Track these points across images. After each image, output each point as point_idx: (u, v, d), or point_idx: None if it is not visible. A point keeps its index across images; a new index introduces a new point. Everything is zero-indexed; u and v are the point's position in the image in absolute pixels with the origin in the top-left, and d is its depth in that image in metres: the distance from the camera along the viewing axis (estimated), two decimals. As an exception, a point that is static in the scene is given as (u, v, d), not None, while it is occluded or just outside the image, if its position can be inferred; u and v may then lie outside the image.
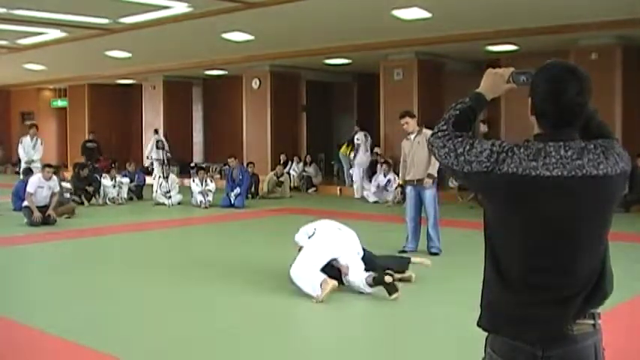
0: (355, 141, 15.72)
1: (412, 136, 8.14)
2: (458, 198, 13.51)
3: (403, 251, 7.86)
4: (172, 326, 5.17)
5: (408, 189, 8.20)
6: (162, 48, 16.09)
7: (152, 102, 21.47)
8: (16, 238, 9.67)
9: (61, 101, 25.52)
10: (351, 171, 16.18)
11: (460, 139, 1.97)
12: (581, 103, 1.88)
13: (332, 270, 5.94)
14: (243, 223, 11.79)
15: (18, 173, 16.53)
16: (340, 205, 13.62)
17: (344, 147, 16.67)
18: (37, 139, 14.87)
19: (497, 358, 1.93)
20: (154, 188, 14.07)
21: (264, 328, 5.13)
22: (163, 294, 6.24)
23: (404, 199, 8.82)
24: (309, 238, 6.13)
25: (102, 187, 14.07)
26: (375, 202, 14.20)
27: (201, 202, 13.40)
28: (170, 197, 13.76)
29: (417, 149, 8.00)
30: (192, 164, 19.97)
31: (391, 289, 5.70)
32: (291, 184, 16.46)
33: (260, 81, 18.46)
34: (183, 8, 11.86)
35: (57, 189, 11.19)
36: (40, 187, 10.89)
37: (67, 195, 12.49)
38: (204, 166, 17.72)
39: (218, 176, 17.99)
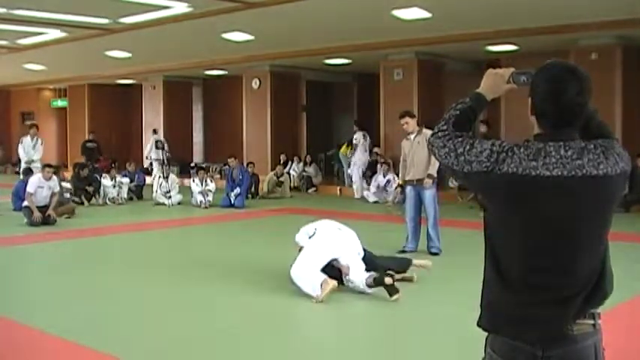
0: (353, 141, 15.73)
1: (412, 136, 8.14)
2: (458, 198, 13.51)
3: (403, 251, 7.86)
4: (172, 326, 5.17)
5: (408, 189, 8.20)
6: (162, 48, 16.09)
7: (152, 102, 21.47)
8: (16, 238, 9.67)
9: (61, 101, 25.52)
10: (349, 170, 16.20)
11: (460, 139, 1.97)
12: (581, 103, 1.88)
13: (332, 270, 5.94)
14: (243, 223, 11.80)
15: (18, 173, 16.53)
16: (340, 205, 13.62)
17: (344, 147, 16.67)
18: (37, 139, 14.87)
19: (498, 358, 1.93)
20: (154, 188, 14.07)
21: (264, 328, 5.13)
22: (163, 294, 6.24)
23: (404, 199, 8.81)
24: (310, 238, 6.13)
25: (102, 187, 14.07)
26: (375, 202, 14.20)
27: (201, 202, 13.40)
28: (170, 197, 13.76)
29: (416, 149, 8.00)
30: (192, 164, 19.97)
31: (392, 290, 5.70)
32: (291, 184, 16.46)
33: (260, 81, 18.46)
34: (183, 8, 11.86)
35: (57, 189, 11.20)
36: (40, 187, 10.89)
37: (67, 195, 12.48)
38: (204, 166, 17.72)
39: (218, 176, 17.99)
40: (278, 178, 15.58)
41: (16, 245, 9.17)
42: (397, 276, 6.09)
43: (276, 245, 8.68)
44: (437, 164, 7.61)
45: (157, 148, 19.37)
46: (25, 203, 10.85)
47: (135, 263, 7.91)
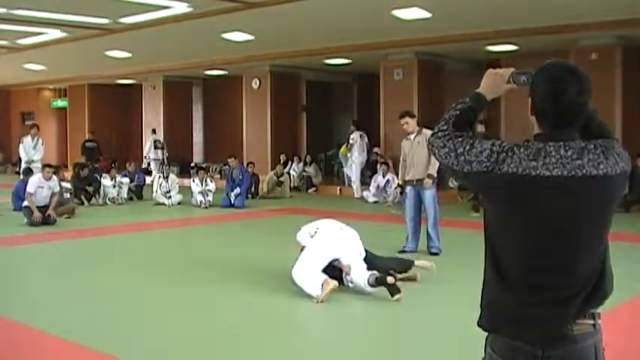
0: (350, 141, 15.74)
1: (412, 136, 8.13)
2: (458, 198, 13.51)
3: (403, 251, 7.86)
4: (172, 326, 5.17)
5: (408, 189, 8.20)
6: (162, 48, 16.09)
7: (152, 102, 21.47)
8: (16, 238, 9.67)
9: (61, 101, 25.53)
10: (346, 170, 16.21)
11: (460, 139, 1.97)
12: (581, 103, 1.88)
13: (333, 270, 5.94)
14: (243, 223, 11.80)
15: (18, 173, 16.54)
16: (340, 205, 13.62)
17: (344, 147, 16.67)
18: (37, 139, 14.88)
19: (498, 358, 1.93)
20: (154, 188, 14.07)
21: (264, 328, 5.13)
22: (163, 294, 6.24)
23: (404, 199, 8.81)
24: (311, 237, 6.12)
25: (102, 187, 14.08)
26: (375, 202, 14.20)
27: (201, 202, 13.40)
28: (170, 197, 13.76)
29: (416, 149, 8.00)
30: (192, 164, 19.97)
31: (393, 290, 5.70)
32: (291, 184, 16.46)
33: (260, 81, 18.46)
34: (183, 8, 11.86)
35: (57, 189, 11.20)
36: (40, 187, 10.90)
37: (67, 195, 12.49)
38: (204, 166, 17.71)
39: (218, 176, 17.99)
40: (278, 178, 15.57)
41: (16, 245, 9.17)
42: (400, 275, 6.09)
43: (276, 245, 8.69)
44: (437, 164, 7.61)
45: (155, 148, 19.41)
46: (25, 203, 10.85)
47: (135, 263, 7.91)
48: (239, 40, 14.44)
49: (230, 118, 20.90)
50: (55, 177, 11.31)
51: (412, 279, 6.43)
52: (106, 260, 8.20)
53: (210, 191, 13.60)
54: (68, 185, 12.86)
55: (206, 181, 13.65)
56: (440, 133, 2.03)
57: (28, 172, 13.24)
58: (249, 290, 6.21)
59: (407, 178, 8.17)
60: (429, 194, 7.98)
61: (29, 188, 10.82)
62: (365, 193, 14.67)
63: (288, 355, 4.55)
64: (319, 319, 5.51)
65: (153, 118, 21.21)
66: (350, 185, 15.90)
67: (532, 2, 10.86)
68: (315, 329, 5.39)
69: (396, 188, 12.69)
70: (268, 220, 12.19)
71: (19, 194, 11.66)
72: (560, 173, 1.82)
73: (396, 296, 5.69)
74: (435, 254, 7.83)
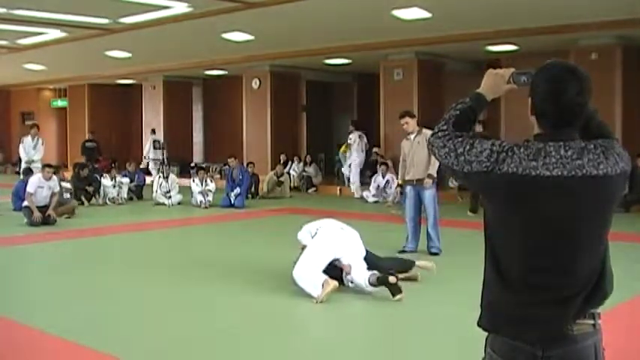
0: (348, 141, 15.75)
1: (412, 136, 8.13)
2: (458, 198, 13.51)
3: (403, 251, 7.87)
4: (172, 326, 5.17)
5: (408, 189, 8.20)
6: (162, 48, 16.10)
7: (152, 102, 21.47)
8: (16, 238, 9.67)
9: (61, 101, 25.52)
10: (344, 170, 16.22)
11: (460, 139, 1.97)
12: (581, 103, 1.88)
13: (334, 270, 5.94)
14: (243, 223, 11.80)
15: (18, 173, 16.54)
16: (340, 205, 13.62)
17: (343, 147, 16.68)
18: (38, 139, 14.88)
19: (498, 358, 1.93)
20: (154, 188, 14.07)
21: (264, 328, 5.13)
22: (163, 294, 6.24)
23: (404, 199, 8.81)
24: (312, 237, 6.12)
25: (102, 187, 14.08)
26: (375, 202, 14.20)
27: (201, 202, 13.40)
28: (170, 197, 13.77)
29: (416, 149, 8.00)
30: (192, 164, 19.98)
31: (395, 290, 5.69)
32: (291, 184, 16.46)
33: (260, 81, 18.46)
34: (183, 8, 11.86)
35: (57, 189, 11.19)
36: (40, 187, 10.89)
37: (67, 195, 12.49)
38: (204, 166, 17.71)
39: (218, 176, 17.99)
40: (278, 177, 15.58)
41: (16, 245, 9.17)
42: (401, 275, 6.09)
43: (276, 245, 8.69)
44: (437, 164, 7.62)
45: (154, 148, 19.42)
46: (25, 203, 10.85)
47: (135, 263, 7.91)
48: (239, 40, 14.44)
49: (230, 118, 20.90)
50: (55, 177, 11.31)
51: (413, 279, 6.43)
52: (106, 260, 8.20)
53: (210, 191, 13.60)
54: (68, 185, 12.86)
55: (206, 181, 13.65)
56: (440, 133, 2.03)
57: (28, 172, 13.24)
58: (249, 290, 6.21)
59: (407, 178, 8.17)
60: (429, 194, 7.98)
61: (29, 188, 10.82)
62: (365, 193, 14.67)
63: (288, 355, 4.55)
64: (319, 319, 5.51)
65: (153, 118, 21.21)
66: (349, 185, 15.90)
67: (532, 2, 10.86)
68: (315, 329, 5.39)
69: (396, 188, 12.71)
70: (268, 220, 12.19)
71: (19, 194, 11.66)
72: (560, 173, 1.82)
73: (398, 296, 5.68)
74: (435, 254, 7.83)
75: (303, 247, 6.11)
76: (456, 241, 8.71)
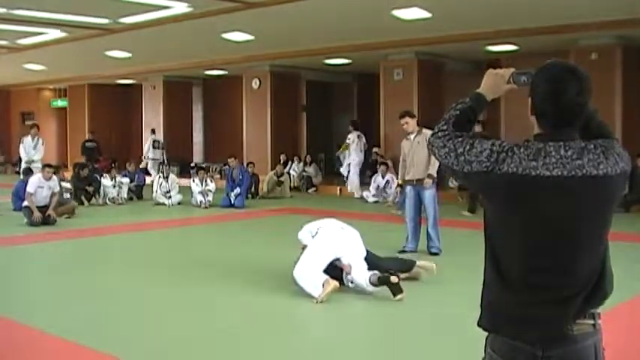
0: (347, 141, 15.76)
1: (412, 136, 8.14)
2: (458, 198, 13.51)
3: (403, 251, 7.87)
4: (172, 326, 5.17)
5: (408, 189, 8.20)
6: (162, 48, 16.09)
7: (152, 102, 21.47)
8: (16, 238, 9.67)
9: (61, 101, 25.52)
10: (341, 169, 16.24)
11: (460, 139, 1.97)
12: (581, 103, 1.88)
13: (334, 270, 5.94)
14: (243, 223, 11.80)
15: (18, 173, 16.54)
16: (340, 205, 13.62)
17: (343, 146, 16.68)
18: (38, 139, 14.89)
19: (498, 358, 1.93)
20: (154, 188, 14.07)
21: (264, 328, 5.13)
22: (163, 294, 6.24)
23: (404, 199, 8.81)
24: (313, 237, 6.12)
25: (102, 187, 14.08)
26: (375, 202, 14.20)
27: (201, 202, 13.40)
28: (170, 197, 13.77)
29: (416, 149, 8.00)
30: (192, 164, 19.98)
31: (396, 290, 5.69)
32: (291, 184, 16.46)
33: (260, 81, 18.46)
34: (183, 8, 11.86)
35: (57, 189, 11.20)
36: (40, 187, 10.89)
37: (67, 195, 12.49)
38: (204, 166, 17.71)
39: (218, 176, 17.99)
40: (278, 177, 15.58)
41: (16, 245, 9.17)
42: (402, 275, 6.09)
43: (276, 245, 8.69)
44: (437, 164, 7.62)
45: (154, 147, 19.41)
46: (25, 203, 10.85)
47: (135, 263, 7.91)
48: (239, 40, 14.44)
49: (230, 118, 20.90)
50: (55, 177, 11.31)
51: (414, 278, 6.43)
52: (106, 260, 8.20)
53: (210, 191, 13.60)
54: (68, 185, 12.87)
55: (206, 181, 13.65)
56: (440, 133, 2.04)
57: (28, 172, 13.23)
58: (249, 290, 6.21)
59: (407, 178, 8.17)
60: (429, 194, 7.98)
61: (29, 188, 10.82)
62: (365, 193, 14.67)
63: (288, 355, 4.55)
64: (319, 319, 5.51)
65: (153, 118, 21.20)
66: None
67: (532, 2, 10.86)
68: (315, 329, 5.39)
69: (396, 188, 12.71)
70: (268, 220, 12.19)
71: (19, 194, 11.66)
72: (560, 173, 1.82)
73: (399, 296, 5.68)
74: (435, 254, 7.83)
75: (304, 247, 6.11)
76: (456, 241, 8.71)
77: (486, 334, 1.98)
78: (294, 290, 5.88)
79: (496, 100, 2.17)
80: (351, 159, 15.45)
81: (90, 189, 13.88)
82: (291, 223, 8.69)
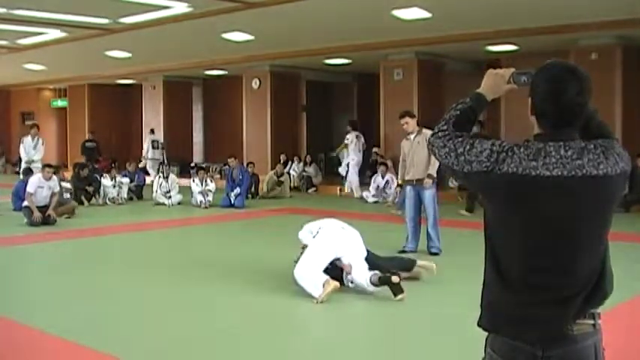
0: (345, 141, 15.76)
1: (412, 136, 8.14)
2: (458, 198, 13.51)
3: (403, 251, 7.86)
4: (172, 326, 5.17)
5: (408, 189, 8.20)
6: (162, 48, 16.09)
7: (152, 102, 21.47)
8: (16, 238, 9.67)
9: (61, 101, 25.52)
10: (340, 169, 16.23)
11: (460, 139, 1.97)
12: (581, 103, 1.88)
13: (335, 270, 5.94)
14: (243, 223, 11.80)
15: (18, 173, 16.54)
16: (340, 205, 13.62)
17: (342, 146, 16.68)
18: (38, 139, 14.89)
19: (498, 358, 1.93)
20: (154, 188, 14.07)
21: (264, 328, 5.13)
22: (163, 294, 6.24)
23: (404, 199, 8.81)
24: (314, 237, 6.12)
25: (102, 187, 14.08)
26: (375, 202, 14.20)
27: (201, 202, 13.40)
28: (170, 197, 13.77)
29: (416, 149, 8.00)
30: (192, 164, 19.98)
31: (397, 289, 5.69)
32: (291, 184, 16.47)
33: (260, 81, 18.46)
34: (183, 8, 11.86)
35: (57, 189, 11.19)
36: (40, 187, 10.89)
37: (67, 195, 12.49)
38: (204, 166, 17.71)
39: (218, 176, 17.99)
40: (278, 177, 15.58)
41: (16, 245, 9.17)
42: (403, 275, 6.09)
43: (276, 245, 8.69)
44: (437, 164, 7.62)
45: (153, 147, 19.40)
46: (25, 203, 10.85)
47: (135, 263, 7.91)
48: (239, 40, 14.43)
49: (230, 118, 20.90)
50: (55, 177, 11.31)
51: (415, 278, 6.43)
52: (106, 260, 8.20)
53: (210, 191, 13.60)
54: (68, 185, 12.87)
55: (206, 181, 13.65)
56: (440, 133, 2.04)
57: (28, 172, 13.24)
58: (249, 290, 6.21)
59: (407, 178, 8.17)
60: (429, 194, 7.98)
61: (29, 188, 10.82)
62: (365, 193, 14.68)
63: (288, 355, 4.55)
64: (319, 319, 5.51)
65: (153, 118, 21.20)
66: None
67: (532, 2, 10.86)
68: (315, 329, 5.39)
69: (396, 188, 12.71)
70: (268, 220, 12.19)
71: (19, 194, 11.66)
72: (560, 173, 1.82)
73: (399, 296, 5.68)
74: (435, 254, 7.83)
75: (304, 247, 6.11)
76: (456, 241, 8.71)
77: (486, 334, 1.99)
78: (294, 290, 5.88)
79: (496, 100, 2.17)
80: (350, 159, 15.46)
81: (90, 189, 13.88)
82: (291, 223, 8.69)
